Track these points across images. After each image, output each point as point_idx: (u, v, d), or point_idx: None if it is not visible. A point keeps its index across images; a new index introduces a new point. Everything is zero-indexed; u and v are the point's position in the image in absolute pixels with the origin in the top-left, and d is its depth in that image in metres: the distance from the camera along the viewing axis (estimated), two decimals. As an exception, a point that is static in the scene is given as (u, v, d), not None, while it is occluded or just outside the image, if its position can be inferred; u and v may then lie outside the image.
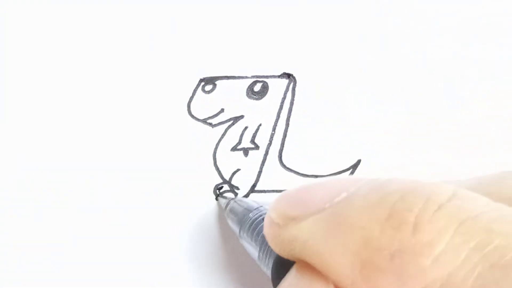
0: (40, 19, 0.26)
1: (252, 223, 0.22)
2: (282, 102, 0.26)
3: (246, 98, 0.26)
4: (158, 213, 0.26)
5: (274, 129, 0.26)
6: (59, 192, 0.26)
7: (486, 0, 0.25)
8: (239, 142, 0.26)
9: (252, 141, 0.26)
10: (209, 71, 0.26)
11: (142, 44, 0.26)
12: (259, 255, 0.20)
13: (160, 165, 0.26)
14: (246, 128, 0.26)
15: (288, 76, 0.26)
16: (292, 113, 0.26)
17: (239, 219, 0.23)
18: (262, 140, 0.26)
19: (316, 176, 0.26)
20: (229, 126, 0.26)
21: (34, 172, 0.26)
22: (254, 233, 0.21)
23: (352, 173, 0.26)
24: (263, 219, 0.21)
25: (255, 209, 0.23)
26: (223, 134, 0.26)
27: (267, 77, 0.26)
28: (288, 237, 0.15)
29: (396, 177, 0.14)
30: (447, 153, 0.25)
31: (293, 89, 0.26)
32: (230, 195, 0.26)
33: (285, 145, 0.26)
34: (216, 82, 0.26)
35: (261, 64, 0.26)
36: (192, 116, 0.26)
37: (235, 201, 0.25)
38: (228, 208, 0.25)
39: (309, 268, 0.14)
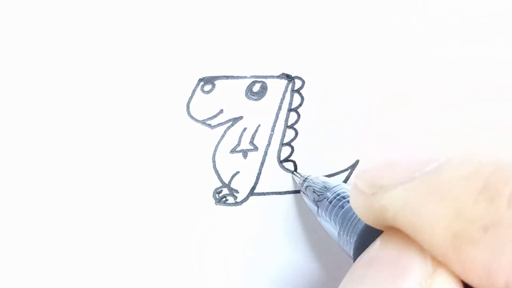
0: (40, 20, 0.26)
1: (331, 202, 0.22)
2: (281, 102, 0.26)
3: (245, 98, 0.26)
4: (156, 217, 0.26)
5: (273, 130, 0.26)
6: (59, 196, 0.26)
7: (486, 0, 0.25)
8: (238, 144, 0.26)
9: (251, 143, 0.26)
10: (208, 70, 0.26)
11: (140, 43, 0.26)
12: (339, 232, 0.21)
13: (159, 168, 0.26)
14: (245, 129, 0.26)
15: (287, 76, 0.26)
16: (291, 113, 0.26)
17: (316, 198, 0.23)
18: (261, 141, 0.26)
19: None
20: (228, 128, 0.26)
21: (34, 173, 0.26)
22: (334, 211, 0.22)
23: (350, 173, 0.26)
24: (342, 197, 0.22)
25: (333, 187, 0.23)
26: (222, 136, 0.26)
27: (266, 77, 0.26)
28: (378, 205, 0.14)
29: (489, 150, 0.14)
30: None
31: (292, 90, 0.26)
32: (304, 172, 0.26)
33: (283, 146, 0.26)
34: (215, 82, 0.26)
35: (260, 64, 0.26)
36: (192, 117, 0.26)
37: (311, 180, 0.25)
38: (304, 186, 0.25)
39: (399, 235, 0.14)
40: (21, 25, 0.26)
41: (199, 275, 0.26)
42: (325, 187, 0.23)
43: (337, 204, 0.22)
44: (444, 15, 0.25)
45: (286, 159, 0.26)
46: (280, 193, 0.26)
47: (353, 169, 0.26)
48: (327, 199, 0.22)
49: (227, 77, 0.26)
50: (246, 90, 0.26)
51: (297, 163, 0.26)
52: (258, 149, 0.26)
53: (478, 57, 0.25)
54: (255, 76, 0.26)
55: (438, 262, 0.13)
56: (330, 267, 0.25)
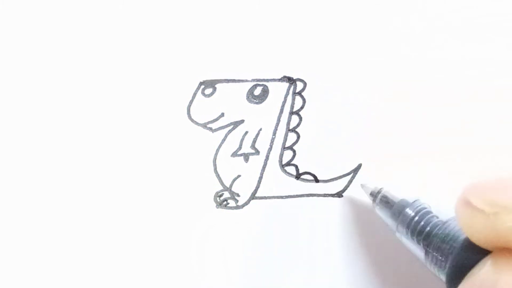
0: (40, 20, 0.26)
1: (412, 220, 0.22)
2: (283, 106, 0.26)
3: (247, 102, 0.26)
4: (157, 220, 0.26)
5: (274, 134, 0.26)
6: (61, 201, 0.26)
7: (486, 0, 0.25)
8: (240, 148, 0.26)
9: (253, 146, 0.26)
10: (209, 74, 0.26)
11: (141, 46, 0.26)
12: (426, 252, 0.20)
13: (161, 171, 0.26)
14: (246, 133, 0.26)
15: (289, 79, 0.26)
16: (293, 116, 0.26)
17: (395, 214, 0.23)
18: (262, 145, 0.26)
19: (317, 181, 0.26)
20: (230, 131, 0.26)
21: (34, 175, 0.26)
22: (418, 228, 0.21)
23: (353, 177, 0.26)
24: (424, 214, 0.21)
25: (412, 203, 0.22)
26: (223, 139, 0.26)
27: (267, 80, 0.26)
28: (503, 226, 0.14)
29: None
30: (448, 155, 0.25)
31: (294, 92, 0.26)
32: (376, 185, 0.25)
33: (285, 150, 0.26)
34: (216, 86, 0.26)
35: (261, 68, 0.26)
36: (192, 121, 0.26)
37: (386, 193, 0.24)
38: (378, 199, 0.24)
39: None
40: (21, 25, 0.26)
41: (199, 278, 0.25)
42: (404, 201, 0.23)
43: (421, 222, 0.21)
44: (444, 15, 0.25)
45: (288, 163, 0.26)
46: (281, 197, 0.26)
47: (356, 173, 0.26)
48: (408, 216, 0.22)
49: (228, 81, 0.26)
50: (247, 93, 0.26)
51: (299, 167, 0.26)
52: (260, 153, 0.26)
53: (478, 57, 0.25)
54: (256, 79, 0.26)
55: None
56: (331, 272, 0.25)
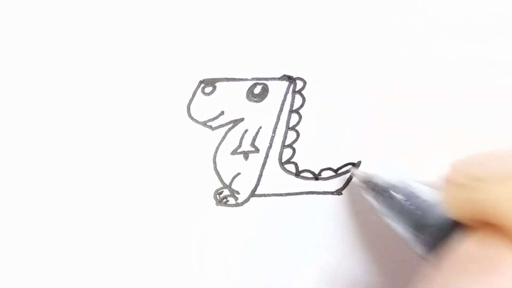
0: (41, 20, 0.26)
1: (398, 202, 0.22)
2: (282, 104, 0.26)
3: (246, 100, 0.26)
4: (157, 218, 0.26)
5: (274, 132, 0.26)
6: (61, 200, 0.26)
7: (486, 0, 0.25)
8: (239, 146, 0.26)
9: (252, 144, 0.26)
10: (209, 72, 0.26)
11: (141, 45, 0.26)
12: (411, 234, 0.20)
13: (161, 169, 0.26)
14: (246, 131, 0.26)
15: (288, 77, 0.26)
16: (292, 115, 0.26)
17: (377, 194, 0.23)
18: (262, 143, 0.26)
19: (317, 179, 0.26)
20: (229, 129, 0.26)
21: (33, 173, 0.26)
22: (401, 209, 0.21)
23: (353, 174, 0.26)
24: (410, 197, 0.21)
25: (399, 186, 0.22)
26: (223, 137, 0.26)
27: (267, 79, 0.26)
28: (481, 200, 0.14)
29: None
30: (448, 155, 0.25)
31: (293, 91, 0.26)
32: (363, 170, 0.25)
33: (285, 148, 0.26)
34: (216, 84, 0.26)
35: (261, 66, 0.26)
36: (192, 119, 0.26)
37: (372, 176, 0.24)
38: (365, 182, 0.24)
39: (494, 232, 0.14)
40: (21, 25, 0.26)
41: (199, 275, 0.25)
42: (387, 185, 0.23)
43: (407, 203, 0.21)
44: (444, 15, 0.25)
45: (288, 161, 0.26)
46: (281, 194, 0.26)
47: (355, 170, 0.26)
48: (394, 199, 0.22)
49: (228, 79, 0.26)
50: (247, 92, 0.26)
51: (298, 164, 0.26)
52: (259, 150, 0.26)
53: (478, 57, 0.25)
54: (256, 78, 0.26)
55: None
56: (330, 269, 0.25)
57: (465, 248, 0.14)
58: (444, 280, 0.14)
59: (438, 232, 0.18)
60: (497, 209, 0.13)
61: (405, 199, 0.22)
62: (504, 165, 0.14)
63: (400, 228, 0.22)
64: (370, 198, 0.24)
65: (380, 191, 0.23)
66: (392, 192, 0.23)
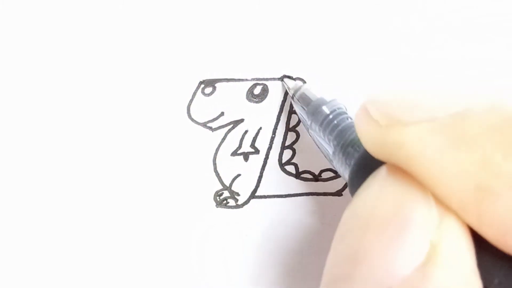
0: (41, 20, 0.26)
1: (326, 118, 0.21)
2: (282, 105, 0.26)
3: (246, 101, 0.26)
4: (156, 219, 0.26)
5: (274, 133, 0.26)
6: (61, 201, 0.26)
7: (486, 0, 0.25)
8: (239, 147, 0.26)
9: (252, 145, 0.26)
10: (208, 73, 0.26)
11: (140, 46, 0.26)
12: (334, 152, 0.20)
13: (160, 171, 0.26)
14: (246, 132, 0.26)
15: (289, 78, 0.26)
16: (292, 116, 0.26)
17: (310, 111, 0.22)
18: (262, 144, 0.26)
19: (317, 180, 0.26)
20: (229, 130, 0.26)
21: (33, 173, 0.26)
22: (329, 127, 0.21)
23: (352, 176, 0.26)
24: (338, 113, 0.21)
25: (329, 102, 0.22)
26: (223, 138, 0.26)
27: (267, 79, 0.26)
28: (392, 139, 0.13)
29: None
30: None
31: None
32: (298, 82, 0.25)
33: (285, 149, 0.26)
34: (216, 85, 0.26)
35: (261, 67, 0.26)
36: (192, 120, 0.26)
37: (305, 89, 0.23)
38: (297, 94, 0.24)
39: (404, 174, 0.13)
40: (21, 25, 0.26)
41: (199, 277, 0.25)
42: (320, 101, 0.22)
43: (334, 121, 0.21)
44: (444, 15, 0.25)
45: (288, 162, 0.26)
46: (281, 196, 0.26)
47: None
48: (323, 114, 0.21)
49: (228, 80, 0.26)
50: (247, 92, 0.26)
51: (299, 166, 0.26)
52: (260, 152, 0.26)
53: (478, 57, 0.25)
54: (256, 78, 0.26)
55: (443, 210, 0.13)
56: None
57: (375, 192, 0.14)
58: (348, 236, 0.14)
59: (358, 159, 0.17)
60: (407, 153, 0.13)
61: (329, 113, 0.21)
62: (419, 107, 0.13)
63: (321, 142, 0.21)
64: (297, 109, 0.24)
65: (307, 103, 0.23)
66: (318, 105, 0.22)
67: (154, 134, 0.26)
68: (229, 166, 0.26)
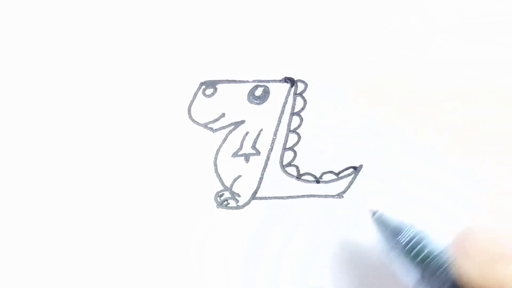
0: (41, 20, 0.26)
1: (406, 245, 0.22)
2: (283, 107, 0.26)
3: (247, 102, 0.26)
4: (158, 220, 0.26)
5: (275, 134, 0.26)
6: (62, 201, 0.26)
7: (486, 0, 0.25)
8: (240, 148, 0.26)
9: (253, 147, 0.26)
10: (210, 74, 0.26)
11: (142, 47, 0.26)
12: (422, 276, 0.20)
13: (161, 171, 0.26)
14: (247, 133, 0.26)
15: (290, 80, 0.26)
16: (293, 117, 0.26)
17: (389, 236, 0.23)
18: (263, 145, 0.26)
19: (318, 182, 0.26)
20: (230, 131, 0.26)
21: (34, 173, 0.26)
22: (410, 254, 0.21)
23: (354, 178, 0.26)
24: (417, 241, 0.21)
25: (408, 229, 0.22)
26: (224, 140, 0.26)
27: (268, 81, 0.26)
28: (502, 274, 0.15)
29: None
30: (449, 155, 0.25)
31: (295, 93, 0.26)
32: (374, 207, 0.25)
33: (286, 151, 0.26)
34: (217, 86, 0.26)
35: (262, 68, 0.26)
36: (193, 121, 0.26)
37: (383, 215, 0.24)
38: (376, 217, 0.24)
39: None
40: (21, 25, 0.26)
41: (199, 277, 0.25)
42: (399, 227, 0.22)
43: (414, 249, 0.21)
44: (444, 15, 0.25)
45: (289, 164, 0.26)
46: (282, 197, 0.26)
47: (357, 174, 0.26)
48: (402, 242, 0.22)
49: (229, 81, 0.26)
50: (248, 94, 0.26)
51: (300, 167, 0.26)
52: (261, 153, 0.26)
53: (478, 57, 0.25)
54: (257, 80, 0.26)
55: None
56: (330, 272, 0.25)
57: None
58: None
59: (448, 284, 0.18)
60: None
61: (411, 239, 0.22)
62: None
63: (404, 267, 0.22)
64: (379, 235, 0.24)
65: (386, 227, 0.23)
66: (399, 230, 0.22)
67: (155, 135, 0.26)
68: (230, 167, 0.26)
